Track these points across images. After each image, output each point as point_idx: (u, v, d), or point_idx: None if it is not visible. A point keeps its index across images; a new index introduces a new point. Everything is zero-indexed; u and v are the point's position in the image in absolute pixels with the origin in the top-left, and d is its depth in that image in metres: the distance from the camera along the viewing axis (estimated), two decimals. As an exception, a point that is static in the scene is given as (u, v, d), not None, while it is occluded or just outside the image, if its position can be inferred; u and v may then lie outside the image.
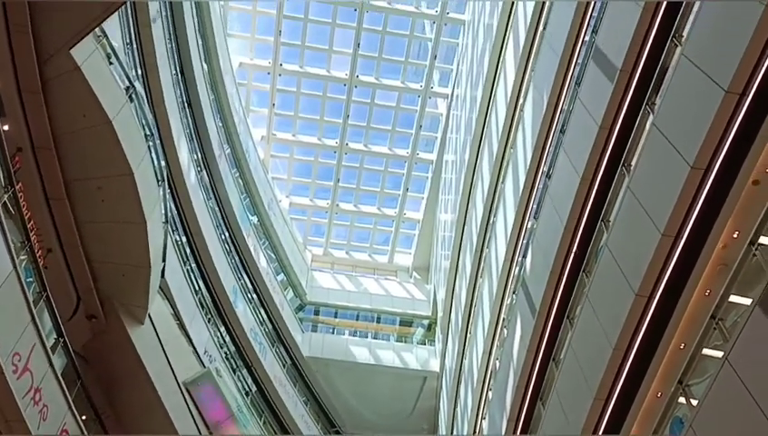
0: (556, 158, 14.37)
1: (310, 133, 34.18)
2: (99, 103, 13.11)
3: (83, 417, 14.02)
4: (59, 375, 12.65)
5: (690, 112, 9.17)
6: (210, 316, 22.92)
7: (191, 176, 21.76)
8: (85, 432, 13.75)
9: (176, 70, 21.78)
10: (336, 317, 32.65)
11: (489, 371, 19.39)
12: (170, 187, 19.47)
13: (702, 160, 8.75)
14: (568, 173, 13.23)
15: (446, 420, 26.42)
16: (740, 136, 8.27)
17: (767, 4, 7.51)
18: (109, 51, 13.84)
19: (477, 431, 20.18)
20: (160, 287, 18.20)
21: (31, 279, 12.08)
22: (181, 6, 21.35)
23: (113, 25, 15.14)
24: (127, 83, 14.47)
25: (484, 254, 21.32)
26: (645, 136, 10.54)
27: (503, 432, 16.27)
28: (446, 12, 29.94)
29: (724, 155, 8.49)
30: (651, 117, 10.42)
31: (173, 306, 19.62)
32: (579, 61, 13.84)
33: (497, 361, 18.23)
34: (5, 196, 11.31)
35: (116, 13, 13.65)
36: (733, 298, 8.67)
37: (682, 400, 9.56)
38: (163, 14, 19.99)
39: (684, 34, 9.70)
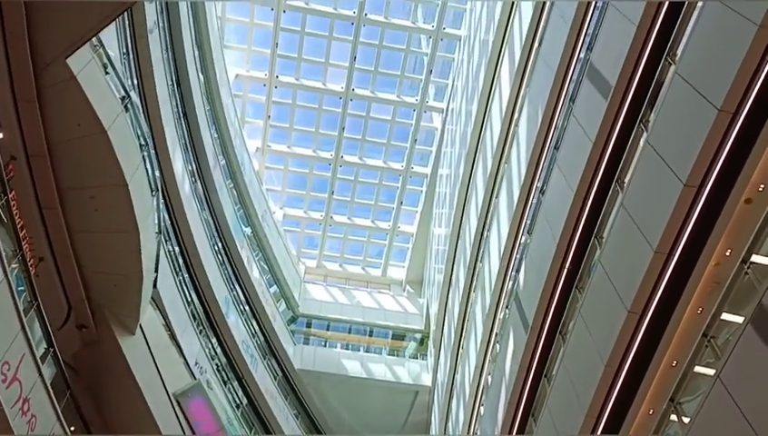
0: (550, 174, 14.43)
1: (305, 146, 34.29)
2: (94, 112, 13.12)
3: (72, 428, 13.89)
4: (48, 385, 12.52)
5: (683, 130, 9.23)
6: (201, 327, 22.81)
7: (185, 187, 21.74)
8: (73, 443, 13.64)
9: (172, 81, 21.82)
10: (328, 330, 32.49)
11: (481, 387, 19.32)
12: (164, 197, 19.39)
13: (695, 178, 8.80)
14: (562, 188, 13.28)
15: (437, 435, 26.30)
16: (733, 154, 8.33)
17: (760, 24, 7.60)
18: (105, 61, 13.87)
19: (469, 446, 20.09)
20: (152, 297, 18.11)
21: (22, 287, 12.01)
22: (178, 17, 21.42)
23: (109, 35, 15.18)
24: (123, 92, 14.48)
25: (477, 269, 21.32)
26: (639, 153, 10.60)
27: (494, 448, 16.21)
28: (442, 27, 30.18)
29: (717, 173, 8.55)
30: (645, 135, 10.49)
31: (165, 317, 19.53)
32: (574, 78, 13.94)
33: (490, 377, 18.18)
34: (-2, 204, 11.29)
35: (113, 23, 13.70)
36: (725, 316, 8.69)
37: (673, 417, 9.56)
38: (161, 24, 20.05)
39: (678, 52, 9.80)
